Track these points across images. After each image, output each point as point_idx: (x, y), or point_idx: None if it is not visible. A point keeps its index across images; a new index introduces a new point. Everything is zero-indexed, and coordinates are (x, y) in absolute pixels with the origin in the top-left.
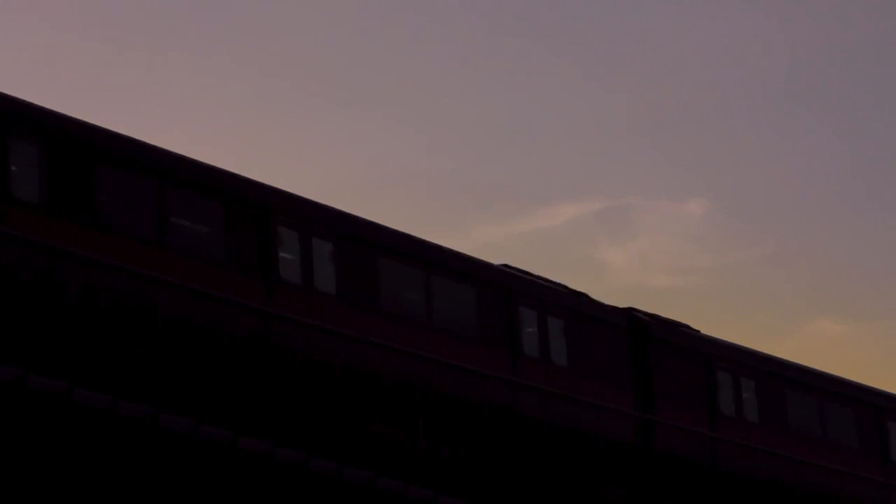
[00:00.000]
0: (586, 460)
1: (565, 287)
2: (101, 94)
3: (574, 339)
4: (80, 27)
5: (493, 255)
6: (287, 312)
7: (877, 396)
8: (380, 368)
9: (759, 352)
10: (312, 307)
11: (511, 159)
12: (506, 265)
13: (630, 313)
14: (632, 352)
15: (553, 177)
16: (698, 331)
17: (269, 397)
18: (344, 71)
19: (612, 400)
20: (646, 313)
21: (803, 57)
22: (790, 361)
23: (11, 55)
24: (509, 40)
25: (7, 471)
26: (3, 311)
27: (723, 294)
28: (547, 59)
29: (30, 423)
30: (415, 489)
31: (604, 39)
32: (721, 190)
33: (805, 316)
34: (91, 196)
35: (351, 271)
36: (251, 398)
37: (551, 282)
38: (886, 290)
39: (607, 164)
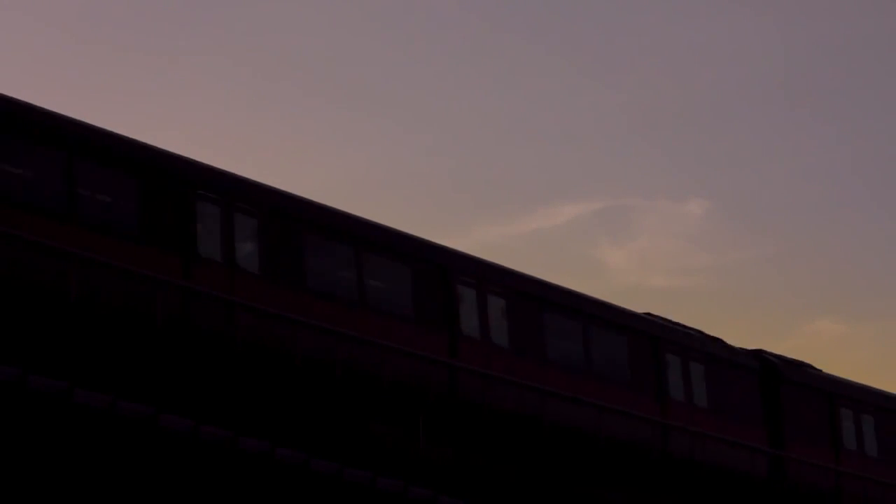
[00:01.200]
0: (586, 461)
1: None
2: (101, 94)
3: None
4: (80, 27)
5: (493, 255)
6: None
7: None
8: (380, 368)
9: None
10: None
11: (511, 159)
12: None
13: None
14: None
15: (553, 177)
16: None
17: (268, 397)
18: (344, 71)
19: None
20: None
21: (803, 57)
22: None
23: (11, 55)
24: (509, 40)
25: (7, 471)
26: (3, 311)
27: (723, 294)
28: (547, 59)
29: (30, 423)
30: (415, 489)
31: (604, 39)
32: (721, 190)
33: (805, 316)
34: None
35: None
36: (251, 398)
37: None
38: (886, 290)
39: (607, 164)
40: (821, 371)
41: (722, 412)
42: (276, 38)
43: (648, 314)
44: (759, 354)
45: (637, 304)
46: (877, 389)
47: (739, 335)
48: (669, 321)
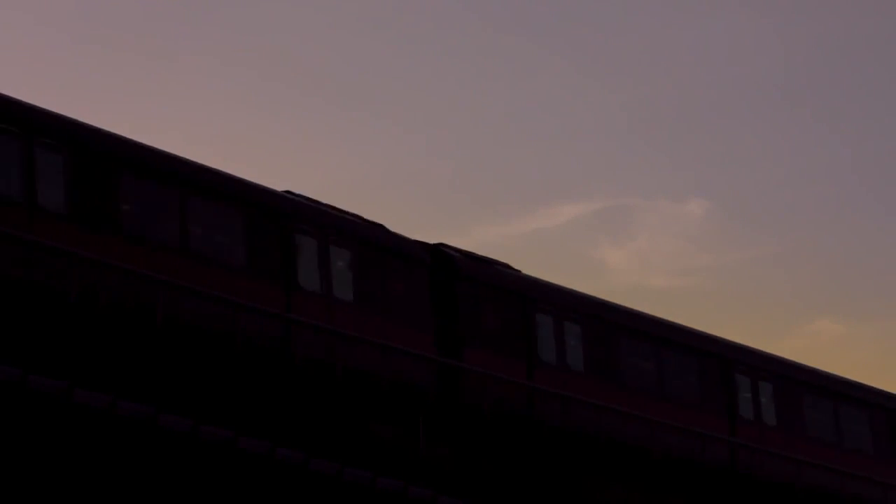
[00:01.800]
0: (585, 460)
1: None
2: (101, 95)
3: None
4: (78, 27)
5: (490, 254)
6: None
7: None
8: (379, 369)
9: None
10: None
11: (511, 159)
12: None
13: None
14: None
15: (553, 177)
16: None
17: (268, 397)
18: (344, 71)
19: None
20: None
21: (803, 57)
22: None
23: (10, 55)
24: (509, 40)
25: (7, 471)
26: (3, 311)
27: (723, 294)
28: (547, 60)
29: (30, 423)
30: (415, 489)
31: (603, 39)
32: (721, 190)
33: (805, 316)
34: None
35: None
36: (251, 398)
37: None
38: (886, 290)
39: (607, 164)
40: (519, 272)
41: (373, 309)
42: (277, 39)
43: (288, 192)
44: (436, 248)
45: (637, 305)
46: (589, 296)
47: (739, 335)
48: (312, 199)
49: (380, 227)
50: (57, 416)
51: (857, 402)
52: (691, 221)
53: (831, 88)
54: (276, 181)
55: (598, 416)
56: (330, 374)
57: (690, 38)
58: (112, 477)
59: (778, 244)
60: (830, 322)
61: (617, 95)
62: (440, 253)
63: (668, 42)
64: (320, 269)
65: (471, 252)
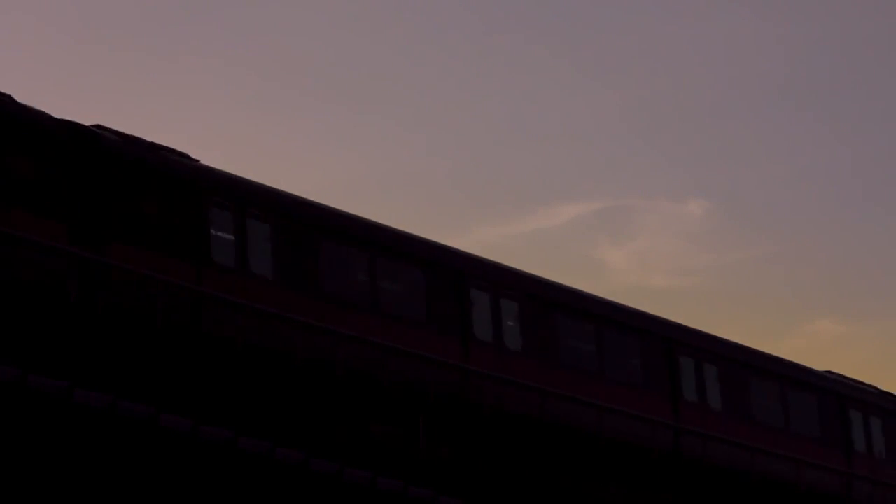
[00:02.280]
0: (586, 460)
1: None
2: (101, 95)
3: None
4: (78, 27)
5: (490, 254)
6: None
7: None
8: (380, 368)
9: None
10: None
11: (511, 159)
12: None
13: None
14: None
15: (553, 177)
16: None
17: (268, 397)
18: (344, 71)
19: None
20: None
21: (803, 57)
22: None
23: (11, 55)
24: (508, 40)
25: (7, 471)
26: (3, 311)
27: (723, 294)
28: (546, 60)
29: (30, 423)
30: (415, 489)
31: (603, 39)
32: (721, 190)
33: (805, 316)
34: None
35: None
36: (251, 398)
37: None
38: (886, 290)
39: (607, 164)
40: (198, 161)
41: None
42: (276, 39)
43: None
44: (87, 128)
45: (637, 305)
46: (282, 191)
47: (739, 335)
48: None
49: (4, 97)
50: (57, 416)
51: (623, 327)
52: (691, 221)
53: (831, 88)
54: (277, 181)
55: (294, 331)
56: (330, 374)
57: (690, 38)
58: (112, 477)
59: (778, 244)
60: (830, 322)
61: (617, 95)
62: (89, 133)
63: (668, 42)
64: None
65: (136, 136)
